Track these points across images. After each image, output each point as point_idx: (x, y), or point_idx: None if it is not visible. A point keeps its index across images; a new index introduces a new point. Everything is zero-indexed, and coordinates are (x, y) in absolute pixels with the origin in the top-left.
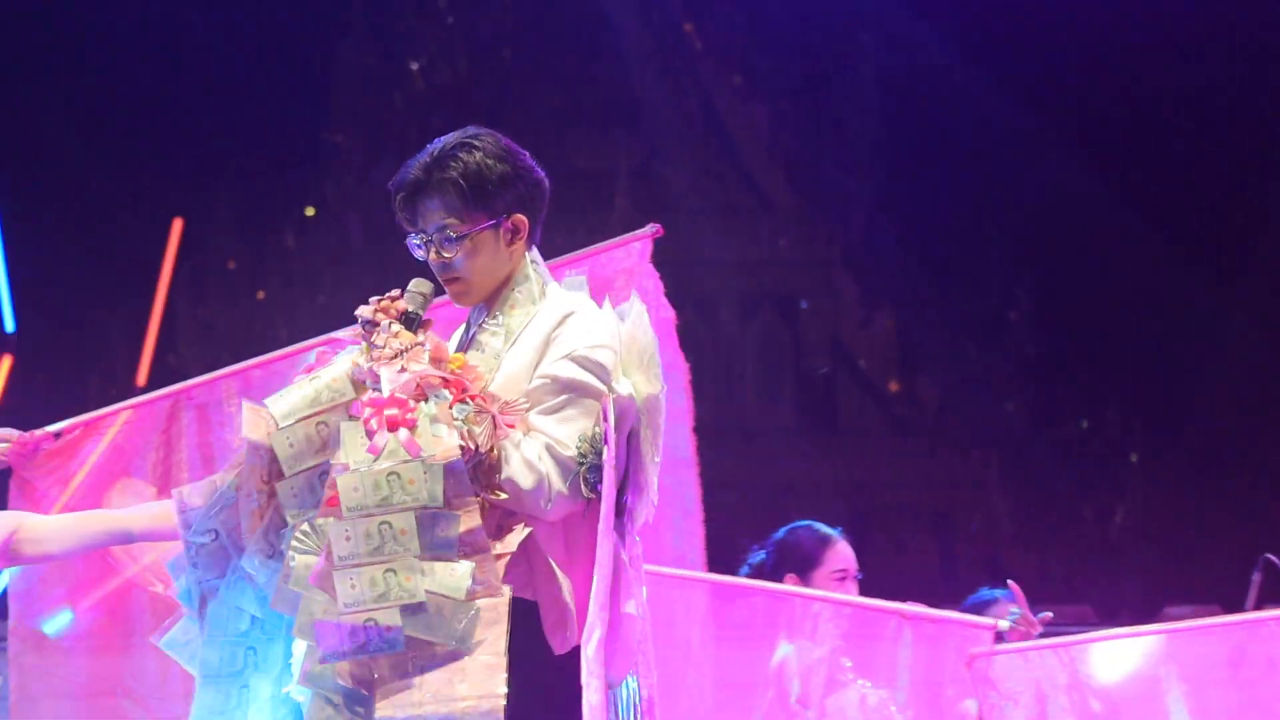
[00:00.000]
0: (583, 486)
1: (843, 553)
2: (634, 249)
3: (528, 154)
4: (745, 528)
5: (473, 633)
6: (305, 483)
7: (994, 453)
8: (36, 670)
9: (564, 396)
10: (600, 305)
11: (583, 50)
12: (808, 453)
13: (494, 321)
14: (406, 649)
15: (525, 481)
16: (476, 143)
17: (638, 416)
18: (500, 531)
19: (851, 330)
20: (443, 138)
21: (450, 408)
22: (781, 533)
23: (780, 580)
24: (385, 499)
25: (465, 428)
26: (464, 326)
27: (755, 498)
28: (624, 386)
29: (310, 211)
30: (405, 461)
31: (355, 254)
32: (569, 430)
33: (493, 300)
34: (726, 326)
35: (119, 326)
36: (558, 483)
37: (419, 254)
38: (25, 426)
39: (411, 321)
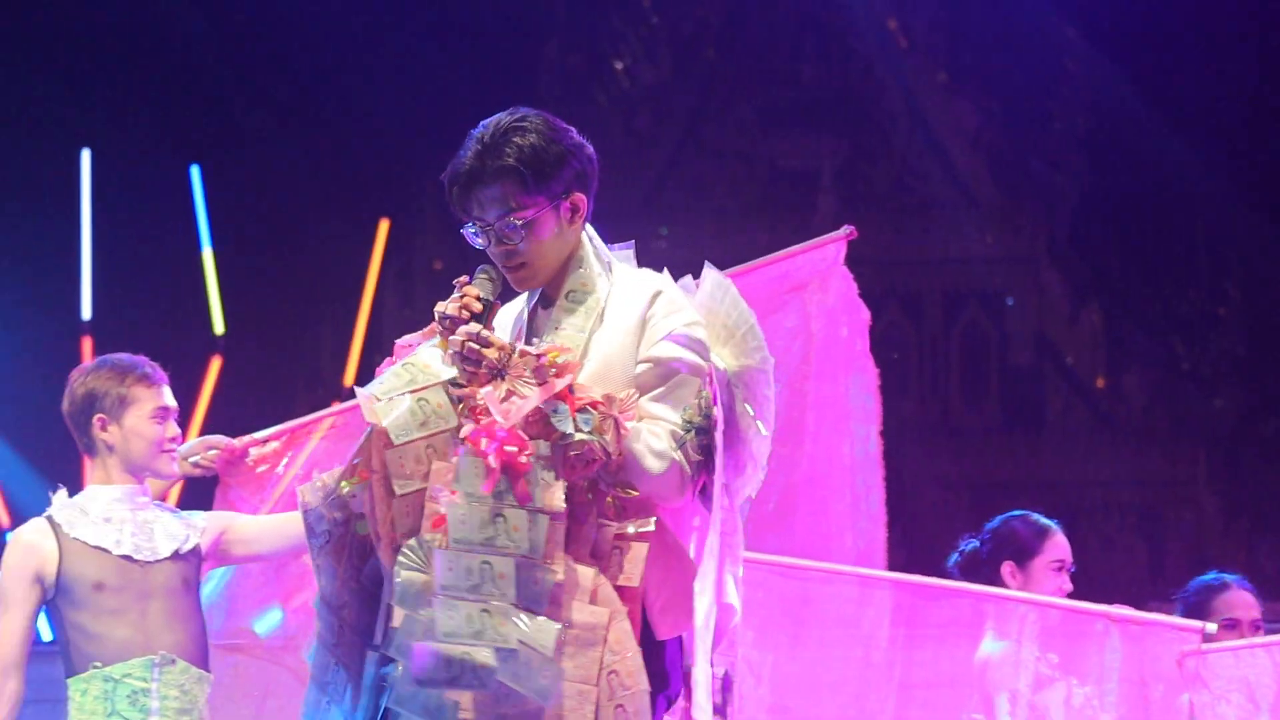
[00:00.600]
0: (691, 453)
1: (1061, 543)
2: (828, 252)
3: (575, 130)
4: (951, 525)
5: (554, 689)
6: (412, 455)
7: (1202, 449)
8: (240, 670)
9: (673, 379)
10: (788, 307)
11: (786, 49)
12: (1014, 450)
13: (569, 301)
14: (494, 690)
15: (658, 469)
16: (528, 125)
17: (730, 391)
18: (624, 514)
19: (1058, 327)
20: (489, 121)
21: (573, 416)
22: (996, 522)
23: (997, 569)
24: (489, 539)
25: (595, 439)
26: (522, 308)
27: (961, 496)
28: (716, 360)
29: None
30: (514, 506)
31: None
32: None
33: (558, 281)
34: (931, 324)
35: (326, 328)
36: (689, 467)
37: (478, 242)
38: (232, 427)
39: (485, 309)
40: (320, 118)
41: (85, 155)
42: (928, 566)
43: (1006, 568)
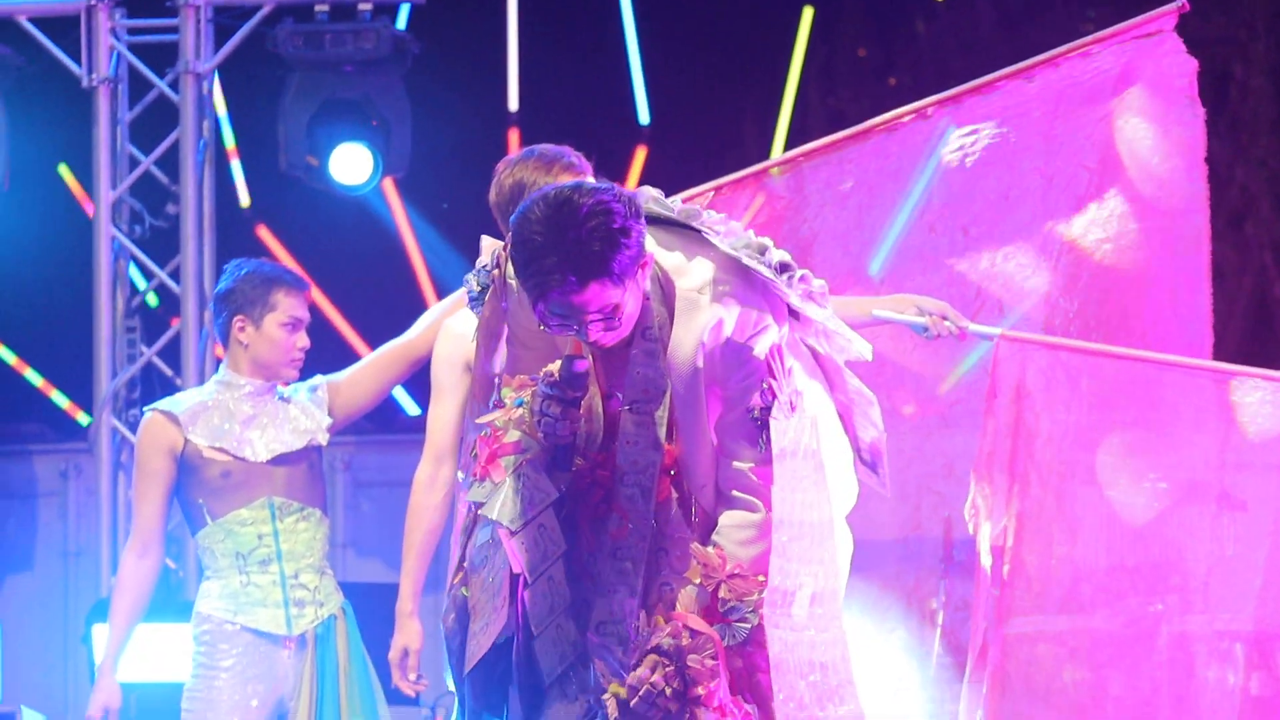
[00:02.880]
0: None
1: None
2: (1160, 23)
3: (614, 185)
4: None
5: None
6: (530, 538)
7: None
8: None
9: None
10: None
11: None
12: None
13: (646, 340)
14: None
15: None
16: (594, 223)
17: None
18: None
19: None
20: (545, 224)
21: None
22: None
23: None
24: None
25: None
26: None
27: None
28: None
29: None
30: None
31: (985, 40)
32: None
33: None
34: None
35: (750, 117)
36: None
37: (570, 333)
38: None
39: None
40: None
41: None
42: None
43: None
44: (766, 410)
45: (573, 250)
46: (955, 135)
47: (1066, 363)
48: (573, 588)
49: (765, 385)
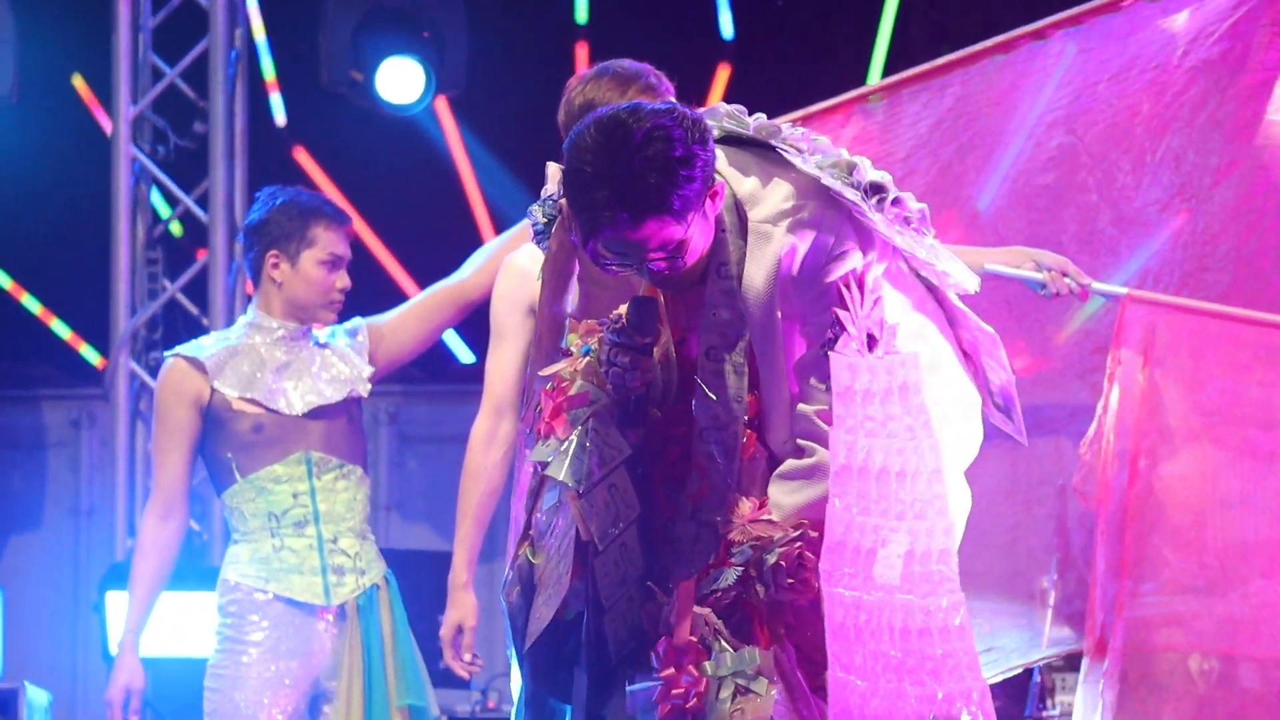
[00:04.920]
0: None
1: None
2: None
3: (677, 107)
4: None
5: None
6: (601, 500)
7: None
8: None
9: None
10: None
11: None
12: None
13: (721, 278)
14: None
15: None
16: (653, 151)
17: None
18: None
19: None
20: (599, 148)
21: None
22: None
23: None
24: None
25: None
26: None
27: None
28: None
29: None
30: None
31: None
32: None
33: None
34: None
35: (846, 32)
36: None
37: (629, 271)
38: None
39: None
40: None
41: None
42: None
43: None
44: (834, 343)
45: (625, 183)
46: (1073, 53)
47: (1200, 327)
48: (648, 556)
49: (834, 317)
